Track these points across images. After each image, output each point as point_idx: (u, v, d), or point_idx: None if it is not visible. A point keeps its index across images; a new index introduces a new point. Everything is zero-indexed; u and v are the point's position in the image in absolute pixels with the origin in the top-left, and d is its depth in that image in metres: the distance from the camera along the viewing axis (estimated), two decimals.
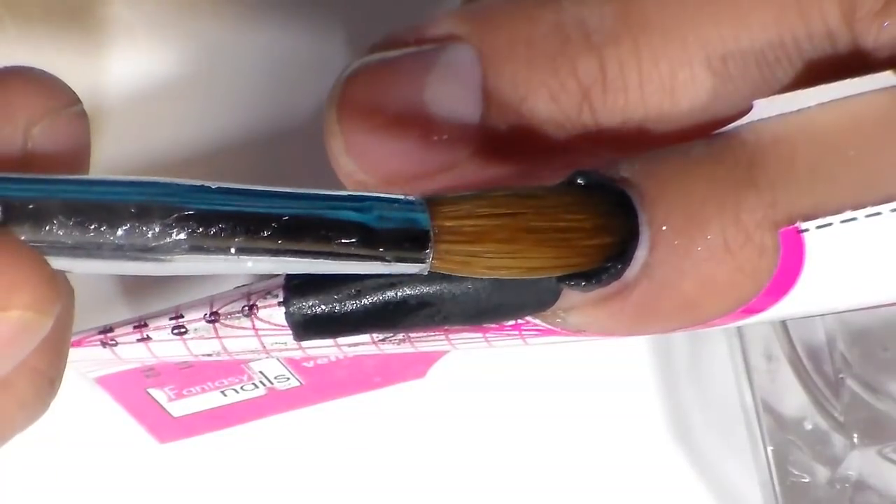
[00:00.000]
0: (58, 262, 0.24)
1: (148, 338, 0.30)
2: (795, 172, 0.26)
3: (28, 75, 0.26)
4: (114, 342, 0.30)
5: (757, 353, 0.38)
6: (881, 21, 0.27)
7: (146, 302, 0.37)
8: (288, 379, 0.35)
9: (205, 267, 0.24)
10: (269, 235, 0.24)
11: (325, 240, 0.25)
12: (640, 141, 0.29)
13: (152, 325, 0.30)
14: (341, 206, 0.25)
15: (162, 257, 0.24)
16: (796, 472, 0.38)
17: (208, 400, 0.36)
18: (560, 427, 0.39)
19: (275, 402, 0.37)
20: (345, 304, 0.27)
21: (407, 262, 0.25)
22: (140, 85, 0.37)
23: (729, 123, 0.27)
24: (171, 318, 0.30)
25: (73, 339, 0.30)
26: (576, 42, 0.29)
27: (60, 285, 0.24)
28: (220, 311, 0.29)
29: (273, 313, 0.29)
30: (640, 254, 0.27)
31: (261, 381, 0.35)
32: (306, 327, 0.28)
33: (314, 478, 0.40)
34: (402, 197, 0.25)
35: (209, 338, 0.29)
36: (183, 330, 0.29)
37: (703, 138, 0.28)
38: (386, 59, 0.30)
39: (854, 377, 0.37)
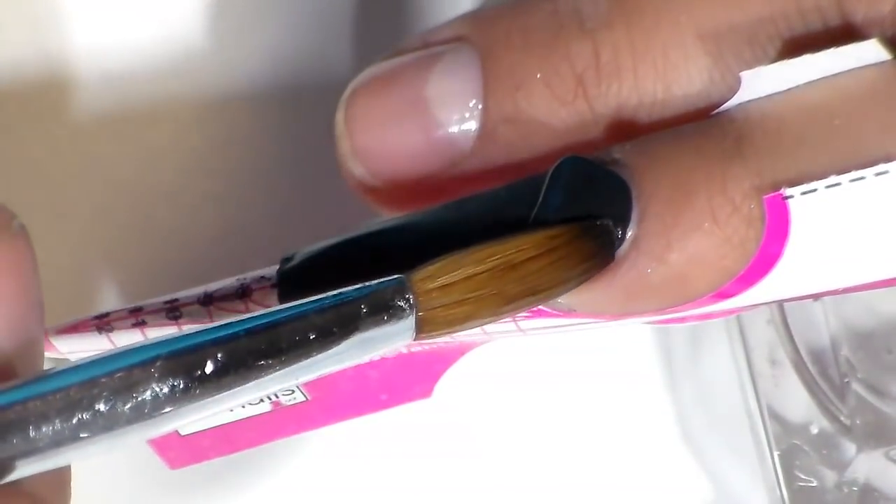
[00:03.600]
0: (44, 465, 0.24)
1: (143, 322, 0.30)
2: (782, 143, 0.27)
3: None
4: (109, 327, 0.30)
5: (761, 358, 0.38)
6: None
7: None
8: (293, 392, 0.35)
9: (197, 414, 0.25)
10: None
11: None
12: (635, 128, 0.29)
13: (147, 308, 0.30)
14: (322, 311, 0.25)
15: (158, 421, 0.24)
16: (803, 477, 0.37)
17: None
18: (564, 439, 0.39)
19: (281, 420, 0.36)
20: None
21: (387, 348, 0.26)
22: (140, 84, 0.37)
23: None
24: (165, 303, 0.30)
25: (69, 325, 0.30)
26: (570, 28, 0.29)
27: None
28: (214, 295, 0.29)
29: (267, 296, 0.29)
30: (631, 230, 0.27)
31: (266, 397, 0.35)
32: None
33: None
34: (386, 295, 0.25)
35: (204, 322, 0.30)
36: (177, 314, 0.30)
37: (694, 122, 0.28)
38: (392, 62, 0.30)
39: (859, 380, 0.37)
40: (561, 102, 0.29)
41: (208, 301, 0.29)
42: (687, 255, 0.27)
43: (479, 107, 0.29)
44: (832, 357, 0.37)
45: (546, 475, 0.39)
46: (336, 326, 0.25)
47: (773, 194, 0.26)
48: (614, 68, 0.29)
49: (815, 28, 0.28)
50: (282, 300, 0.29)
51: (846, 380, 0.37)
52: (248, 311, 0.29)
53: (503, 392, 0.39)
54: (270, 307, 0.29)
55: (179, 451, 0.37)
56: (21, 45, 0.36)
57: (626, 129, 0.29)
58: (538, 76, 0.29)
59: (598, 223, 0.27)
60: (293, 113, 0.37)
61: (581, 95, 0.29)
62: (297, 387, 0.35)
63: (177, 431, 0.36)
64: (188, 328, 0.25)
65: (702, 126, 0.27)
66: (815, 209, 0.26)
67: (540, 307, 0.29)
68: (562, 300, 0.28)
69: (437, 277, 0.26)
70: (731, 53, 0.28)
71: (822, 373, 0.37)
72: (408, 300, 0.25)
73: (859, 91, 0.27)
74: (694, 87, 0.28)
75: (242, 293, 0.29)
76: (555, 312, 0.29)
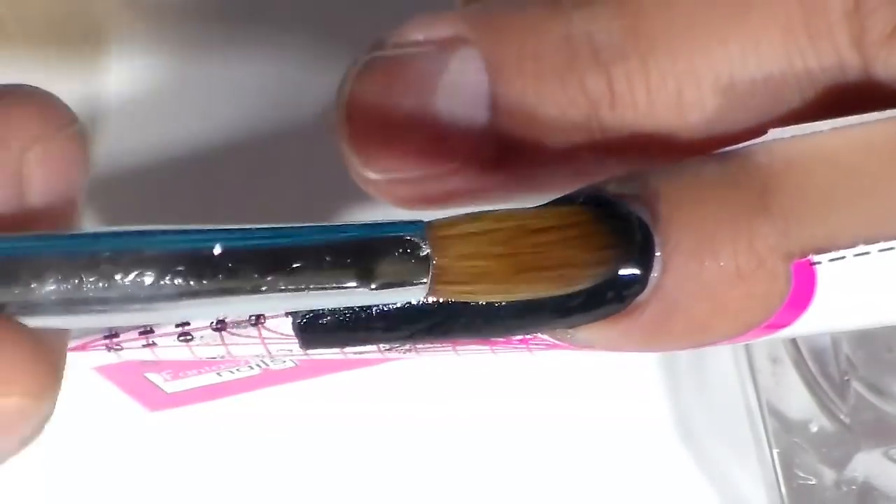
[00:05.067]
0: (44, 321, 0.24)
1: (153, 343, 0.30)
2: (808, 200, 0.26)
3: (22, 96, 0.25)
4: (119, 347, 0.30)
5: (762, 356, 0.38)
6: (891, 45, 0.27)
7: None
8: (283, 362, 0.35)
9: (196, 312, 0.25)
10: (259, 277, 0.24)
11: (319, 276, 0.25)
12: (648, 153, 0.29)
13: (158, 331, 0.30)
14: (339, 238, 0.25)
15: (156, 306, 0.24)
16: (802, 475, 0.38)
17: (203, 379, 0.36)
18: (563, 430, 0.39)
19: (268, 378, 0.37)
20: (353, 316, 0.27)
21: (400, 294, 0.26)
22: (140, 84, 0.37)
23: (737, 138, 0.27)
24: (177, 326, 0.29)
25: (77, 343, 0.30)
26: (584, 58, 0.28)
27: (58, 365, 0.24)
28: (226, 320, 0.29)
29: (280, 323, 0.29)
30: (653, 276, 0.27)
31: (257, 365, 0.35)
32: (314, 337, 0.28)
33: (303, 450, 0.40)
34: (405, 233, 0.25)
35: (215, 345, 0.29)
36: (189, 337, 0.29)
37: (715, 156, 0.28)
38: (395, 58, 0.30)
39: (859, 379, 0.37)
40: (574, 130, 0.29)
41: (221, 327, 0.29)
42: (710, 308, 0.26)
43: (488, 119, 0.29)
44: (833, 355, 0.38)
45: (544, 471, 0.39)
46: (350, 255, 0.25)
47: (801, 260, 0.26)
48: (629, 100, 0.28)
49: (834, 73, 0.27)
50: (296, 327, 0.29)
51: (846, 378, 0.37)
52: (260, 336, 0.29)
53: (502, 393, 0.39)
54: (284, 332, 0.29)
55: (160, 401, 0.37)
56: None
57: (638, 156, 0.29)
58: (551, 104, 0.29)
59: (619, 213, 0.27)
60: (294, 112, 0.37)
61: (595, 124, 0.28)
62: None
63: (163, 391, 0.37)
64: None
65: (725, 170, 0.27)
66: (842, 274, 0.26)
67: (555, 341, 0.28)
68: (581, 335, 0.28)
69: (456, 226, 0.26)
70: (747, 93, 0.28)
71: (823, 371, 0.37)
72: (425, 239, 0.25)
73: (888, 149, 0.26)
74: (707, 122, 0.28)
75: (255, 320, 0.29)
76: (572, 346, 0.28)
